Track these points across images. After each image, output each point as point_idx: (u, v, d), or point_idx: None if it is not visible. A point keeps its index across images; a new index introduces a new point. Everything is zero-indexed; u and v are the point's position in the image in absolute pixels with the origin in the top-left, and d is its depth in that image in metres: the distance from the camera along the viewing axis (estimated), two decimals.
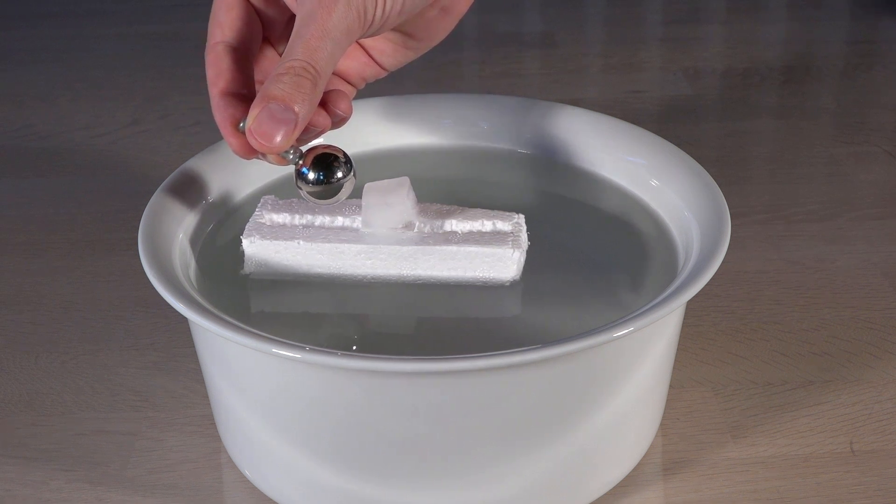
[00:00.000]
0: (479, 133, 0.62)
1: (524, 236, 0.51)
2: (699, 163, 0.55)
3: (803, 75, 0.97)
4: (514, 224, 0.51)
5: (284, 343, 0.42)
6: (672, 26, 1.09)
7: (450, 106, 0.63)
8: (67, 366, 0.61)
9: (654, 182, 0.56)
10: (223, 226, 0.55)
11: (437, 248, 0.50)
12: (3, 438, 0.56)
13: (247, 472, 0.51)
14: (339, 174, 0.46)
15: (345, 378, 0.43)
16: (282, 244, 0.50)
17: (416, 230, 0.51)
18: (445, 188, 0.57)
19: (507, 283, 0.50)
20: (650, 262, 0.53)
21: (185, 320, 0.49)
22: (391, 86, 0.98)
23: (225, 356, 0.47)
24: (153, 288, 0.46)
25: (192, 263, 0.51)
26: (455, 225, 0.51)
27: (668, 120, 0.89)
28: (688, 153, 0.56)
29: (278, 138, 0.42)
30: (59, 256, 0.71)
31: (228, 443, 0.52)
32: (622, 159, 0.58)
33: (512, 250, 0.50)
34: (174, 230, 0.51)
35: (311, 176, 0.45)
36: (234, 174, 0.57)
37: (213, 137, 0.59)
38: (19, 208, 0.77)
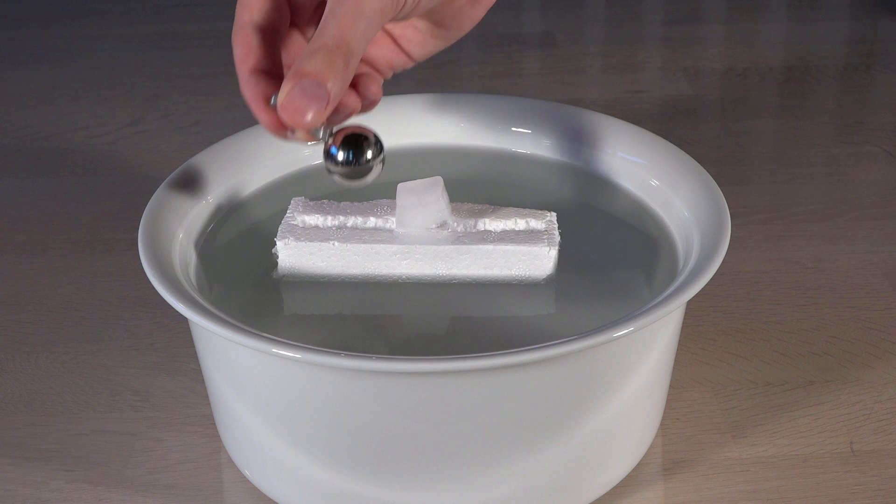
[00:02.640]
0: (478, 133, 0.62)
1: (557, 234, 0.51)
2: (699, 163, 0.55)
3: (803, 75, 0.97)
4: (547, 222, 0.52)
5: (284, 343, 0.42)
6: (672, 26, 1.09)
7: (449, 106, 0.63)
8: (67, 366, 0.61)
9: (654, 182, 0.56)
10: (224, 225, 0.55)
11: (474, 247, 0.50)
12: (3, 438, 0.56)
13: (247, 472, 0.51)
14: (369, 155, 0.44)
15: (344, 378, 0.43)
16: (316, 246, 0.50)
17: (449, 230, 0.51)
18: (449, 188, 0.57)
19: (543, 281, 0.50)
20: (649, 262, 0.53)
21: (185, 320, 0.49)
22: (390, 85, 0.98)
23: (225, 356, 0.47)
24: (153, 288, 0.46)
25: (192, 263, 0.51)
26: (488, 224, 0.52)
27: (668, 120, 0.89)
28: (688, 153, 0.56)
29: (310, 115, 0.42)
30: (59, 256, 0.71)
31: (228, 443, 0.52)
32: (622, 159, 0.58)
33: (548, 248, 0.50)
34: (174, 230, 0.51)
35: (341, 156, 0.44)
36: (234, 174, 0.57)
37: (214, 137, 0.59)
38: (19, 208, 0.77)
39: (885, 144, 0.84)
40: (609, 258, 0.54)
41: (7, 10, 1.14)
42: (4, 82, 0.98)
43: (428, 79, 0.98)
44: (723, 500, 0.51)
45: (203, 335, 0.48)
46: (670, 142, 0.57)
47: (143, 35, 1.08)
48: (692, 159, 0.55)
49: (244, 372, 0.46)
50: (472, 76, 1.00)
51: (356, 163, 0.44)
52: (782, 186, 0.78)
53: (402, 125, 0.62)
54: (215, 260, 0.53)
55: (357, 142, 0.44)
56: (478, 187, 0.59)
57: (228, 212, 0.56)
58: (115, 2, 1.16)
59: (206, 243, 0.53)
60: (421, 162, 0.61)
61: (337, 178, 0.45)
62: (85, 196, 0.78)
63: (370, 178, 0.45)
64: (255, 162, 0.58)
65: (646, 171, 0.57)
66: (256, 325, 0.45)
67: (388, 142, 0.62)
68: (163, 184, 0.53)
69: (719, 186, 0.52)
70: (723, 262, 0.47)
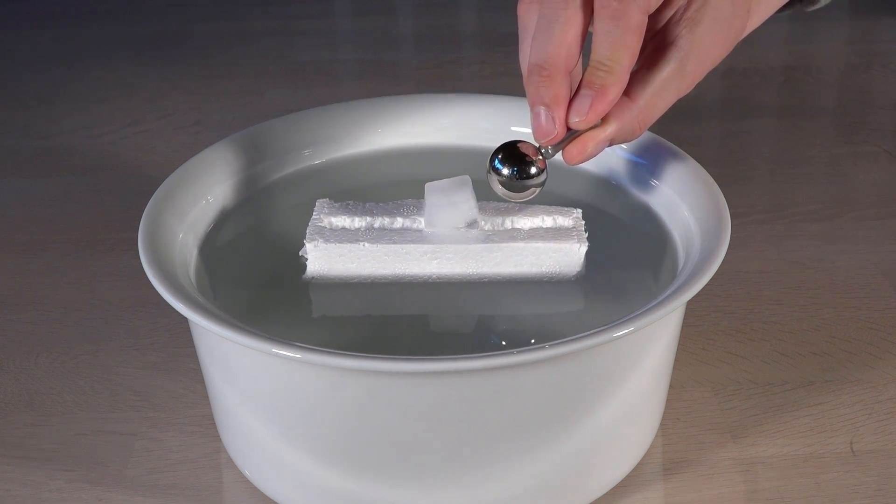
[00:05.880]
0: (478, 133, 0.62)
1: (584, 230, 0.52)
2: (699, 163, 0.55)
3: (803, 75, 0.97)
4: (574, 219, 0.52)
5: (284, 343, 0.42)
6: None
7: (449, 106, 0.62)
8: (67, 366, 0.61)
9: (654, 182, 0.56)
10: (224, 225, 0.55)
11: (504, 245, 0.50)
12: (3, 438, 0.56)
13: (247, 472, 0.51)
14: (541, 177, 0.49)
15: (345, 378, 0.43)
16: (346, 247, 0.50)
17: (478, 228, 0.51)
18: None
19: (573, 278, 0.51)
20: (649, 262, 0.53)
21: (185, 320, 0.49)
22: (391, 86, 0.98)
23: (225, 356, 0.47)
24: (153, 288, 0.46)
25: (193, 263, 0.51)
26: (516, 222, 0.52)
27: (667, 120, 0.89)
28: (688, 153, 0.56)
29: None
30: (59, 256, 0.71)
31: (228, 443, 0.52)
32: (622, 159, 0.58)
33: (578, 245, 0.50)
34: (175, 230, 0.51)
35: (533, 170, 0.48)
36: (234, 174, 0.57)
37: (214, 137, 0.59)
38: (19, 208, 0.77)
39: (885, 144, 0.84)
40: (610, 258, 0.54)
41: (7, 11, 1.14)
42: (5, 82, 0.99)
43: (428, 79, 0.98)
44: (723, 500, 0.51)
45: (203, 335, 0.48)
46: (670, 142, 0.57)
47: (143, 35, 1.08)
48: (692, 159, 0.55)
49: (244, 372, 0.46)
50: (472, 76, 1.00)
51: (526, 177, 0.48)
52: (782, 186, 0.78)
53: (403, 125, 0.62)
54: (216, 260, 0.53)
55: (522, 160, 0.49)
56: (480, 187, 0.59)
57: (229, 212, 0.56)
58: (115, 1, 1.16)
59: (207, 243, 0.53)
60: (421, 162, 0.61)
61: (506, 186, 0.49)
62: (85, 196, 0.78)
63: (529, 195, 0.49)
64: (255, 162, 0.58)
65: (646, 171, 0.57)
66: (270, 326, 0.44)
67: (389, 142, 0.62)
68: (163, 183, 0.53)
69: (719, 186, 0.52)
70: (723, 262, 0.47)
